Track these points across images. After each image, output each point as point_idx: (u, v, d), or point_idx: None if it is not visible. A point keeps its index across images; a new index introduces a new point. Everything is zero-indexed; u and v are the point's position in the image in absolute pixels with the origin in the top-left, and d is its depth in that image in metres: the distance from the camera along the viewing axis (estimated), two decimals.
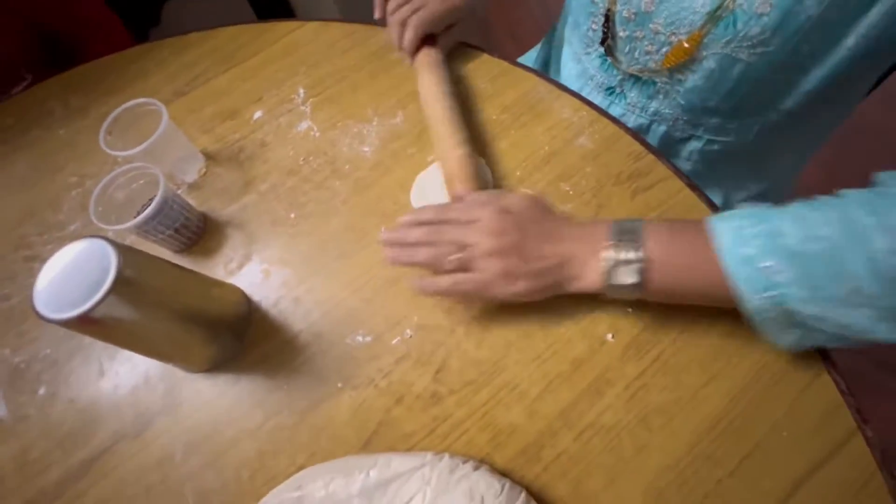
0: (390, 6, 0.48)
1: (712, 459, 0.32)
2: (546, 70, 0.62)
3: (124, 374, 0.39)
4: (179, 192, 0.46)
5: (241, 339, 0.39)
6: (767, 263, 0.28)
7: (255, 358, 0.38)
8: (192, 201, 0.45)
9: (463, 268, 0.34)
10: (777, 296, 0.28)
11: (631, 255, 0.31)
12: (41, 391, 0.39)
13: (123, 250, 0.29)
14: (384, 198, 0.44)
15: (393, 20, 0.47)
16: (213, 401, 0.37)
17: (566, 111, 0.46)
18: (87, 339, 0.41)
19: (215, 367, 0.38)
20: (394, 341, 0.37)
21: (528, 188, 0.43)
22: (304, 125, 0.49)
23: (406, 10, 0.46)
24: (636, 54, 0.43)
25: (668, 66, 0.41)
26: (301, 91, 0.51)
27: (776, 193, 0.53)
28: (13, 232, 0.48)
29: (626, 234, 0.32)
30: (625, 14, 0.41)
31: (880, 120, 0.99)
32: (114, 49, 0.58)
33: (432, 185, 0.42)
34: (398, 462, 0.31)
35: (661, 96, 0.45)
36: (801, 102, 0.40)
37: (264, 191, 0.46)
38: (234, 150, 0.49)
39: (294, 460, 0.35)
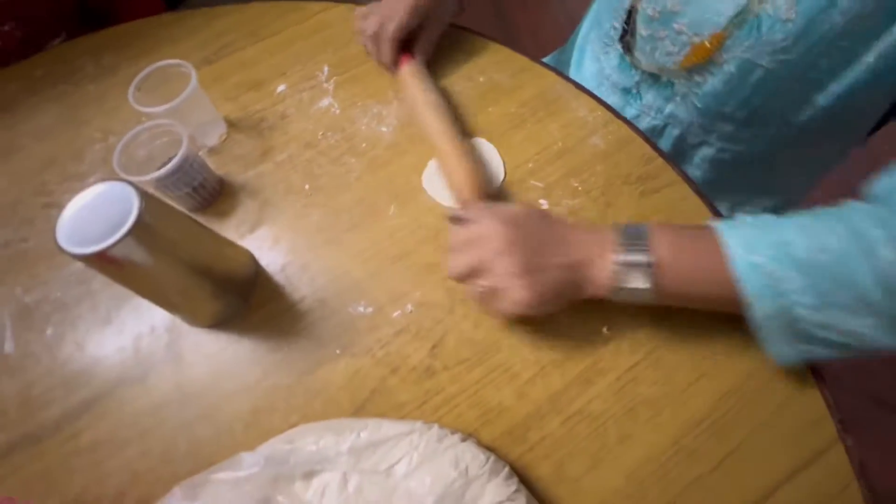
0: (360, 25, 0.49)
1: (694, 455, 0.32)
2: (563, 70, 0.63)
3: (130, 322, 0.40)
4: (200, 154, 0.47)
5: (246, 299, 0.40)
6: (776, 271, 0.28)
7: (258, 318, 0.39)
8: (210, 164, 0.46)
9: (487, 291, 0.33)
10: (785, 303, 0.28)
11: (641, 258, 0.31)
12: (48, 332, 0.41)
13: (146, 196, 0.31)
14: (397, 177, 0.45)
15: (365, 37, 0.48)
16: (213, 355, 0.38)
17: (582, 110, 0.47)
18: (97, 286, 0.42)
19: (219, 323, 0.39)
20: (394, 314, 0.38)
21: (538, 181, 0.43)
22: (325, 101, 0.50)
23: (374, 23, 0.47)
24: (656, 54, 0.44)
25: (688, 66, 0.41)
26: (325, 69, 0.52)
27: (784, 211, 0.54)
28: (35, 178, 0.49)
29: (634, 238, 0.32)
30: (650, 12, 0.42)
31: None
32: (147, 14, 0.60)
33: None
34: (388, 427, 0.32)
35: (677, 99, 0.46)
36: (814, 117, 0.41)
37: (281, 161, 0.47)
38: (256, 120, 0.50)
39: (287, 419, 0.35)
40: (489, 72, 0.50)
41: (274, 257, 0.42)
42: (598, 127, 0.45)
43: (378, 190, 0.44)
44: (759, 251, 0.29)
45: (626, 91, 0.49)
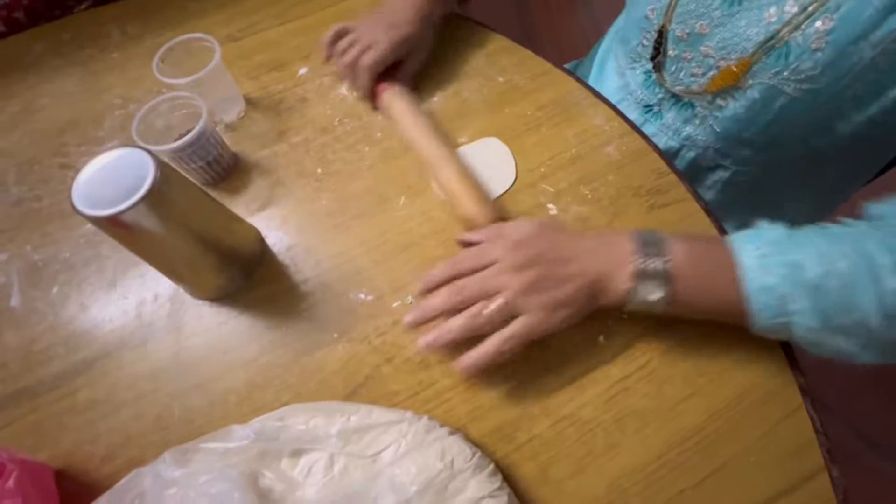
0: (338, 47, 0.47)
1: (679, 470, 0.32)
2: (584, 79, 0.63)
3: (135, 288, 0.41)
4: (217, 129, 0.48)
5: (250, 275, 0.40)
6: (786, 294, 0.29)
7: (260, 296, 0.40)
8: (227, 140, 0.46)
9: (505, 317, 0.32)
10: (787, 321, 0.29)
11: (658, 266, 0.31)
12: (54, 290, 0.41)
13: (161, 165, 0.31)
14: (409, 170, 0.45)
15: (341, 64, 0.46)
16: (213, 328, 0.39)
17: (599, 119, 0.47)
18: (105, 250, 0.43)
19: (221, 297, 0.40)
20: (394, 304, 0.39)
21: (549, 186, 0.44)
22: (344, 88, 0.50)
23: (354, 53, 0.45)
24: (681, 75, 0.44)
25: (713, 89, 0.41)
26: None
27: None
28: (54, 139, 0.50)
29: (651, 245, 0.32)
30: (678, 33, 0.42)
31: None
32: None
33: None
34: (379, 413, 0.32)
35: (696, 121, 0.46)
36: (833, 145, 0.41)
37: (296, 143, 0.48)
38: (275, 101, 0.50)
39: (280, 397, 0.36)
40: (509, 72, 0.50)
41: (281, 237, 0.43)
42: (614, 137, 0.46)
43: (389, 180, 0.45)
44: (772, 272, 0.29)
45: (647, 108, 0.49)
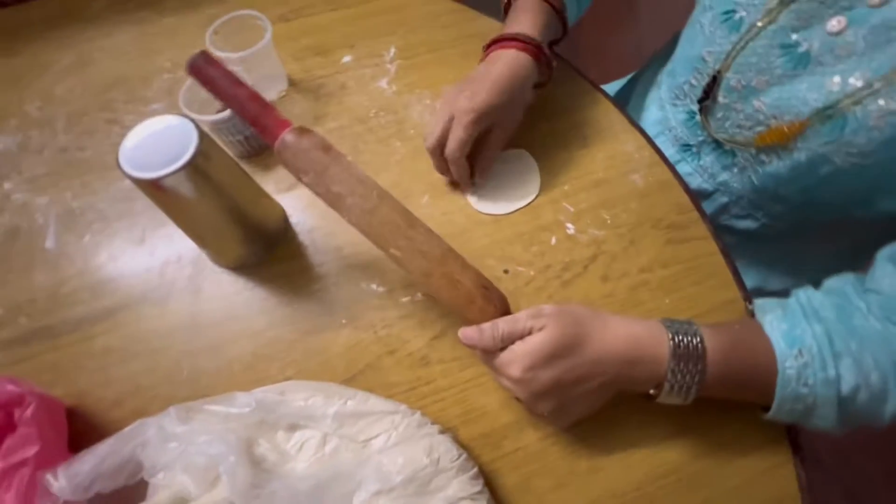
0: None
1: (655, 503, 0.33)
2: (624, 104, 0.63)
3: (161, 247, 0.43)
4: None
5: (270, 250, 0.42)
6: (816, 404, 0.30)
7: (277, 271, 0.41)
8: None
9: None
10: (805, 422, 0.31)
11: (690, 381, 0.30)
12: (87, 238, 0.43)
13: (204, 137, 0.32)
14: (435, 170, 0.46)
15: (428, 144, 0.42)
16: (229, 296, 0.41)
17: (630, 146, 0.47)
18: (139, 207, 0.45)
19: (241, 267, 0.41)
20: (403, 299, 0.40)
21: (569, 205, 0.44)
22: (384, 81, 0.52)
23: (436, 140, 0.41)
24: (727, 124, 0.43)
25: (760, 144, 0.40)
26: (392, 50, 0.54)
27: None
28: (103, 94, 0.52)
29: (688, 360, 0.30)
30: (733, 83, 0.40)
31: None
32: None
33: None
34: (375, 402, 0.33)
35: (735, 170, 0.44)
36: (870, 216, 0.40)
37: (331, 129, 0.49)
38: (316, 85, 0.52)
39: (283, 371, 0.37)
40: (547, 87, 0.51)
41: (305, 219, 0.44)
42: (642, 166, 0.46)
43: (416, 178, 0.46)
44: (808, 384, 0.30)
45: (685, 147, 0.48)
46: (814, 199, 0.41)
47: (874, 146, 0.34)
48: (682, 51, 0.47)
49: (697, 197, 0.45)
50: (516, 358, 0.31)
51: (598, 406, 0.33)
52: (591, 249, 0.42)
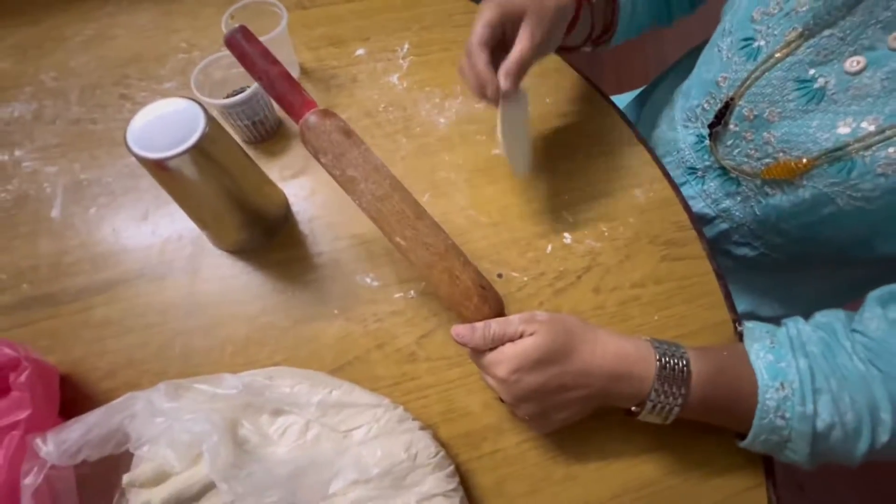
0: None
1: None
2: (635, 119, 0.63)
3: (163, 225, 0.43)
4: None
5: (270, 237, 0.43)
6: (791, 438, 0.31)
7: (275, 258, 0.42)
8: (274, 104, 0.48)
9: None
10: (778, 453, 0.32)
11: (674, 403, 0.31)
12: (92, 210, 0.44)
13: (211, 121, 0.33)
14: (440, 170, 0.46)
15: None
16: (226, 278, 0.41)
17: (634, 161, 0.47)
18: (143, 185, 0.45)
19: (239, 251, 0.42)
20: (396, 295, 0.40)
21: (569, 215, 0.44)
22: (395, 77, 0.52)
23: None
24: (735, 152, 0.43)
25: (766, 177, 0.40)
26: (406, 46, 0.54)
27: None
28: (118, 69, 0.52)
29: (673, 382, 0.31)
30: (745, 111, 0.40)
31: None
32: None
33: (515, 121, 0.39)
34: (359, 394, 0.34)
35: (739, 198, 0.44)
36: (867, 257, 0.40)
37: None
38: (328, 75, 0.52)
39: (272, 357, 0.38)
40: (557, 95, 0.51)
41: (306, 208, 0.45)
42: (644, 181, 0.46)
43: (419, 175, 0.46)
44: (787, 416, 0.30)
45: (691, 170, 0.48)
46: (814, 235, 0.41)
47: (879, 192, 0.34)
48: (699, 73, 0.47)
49: (699, 223, 0.45)
50: (504, 359, 0.31)
51: (578, 416, 0.33)
52: (586, 260, 0.42)
